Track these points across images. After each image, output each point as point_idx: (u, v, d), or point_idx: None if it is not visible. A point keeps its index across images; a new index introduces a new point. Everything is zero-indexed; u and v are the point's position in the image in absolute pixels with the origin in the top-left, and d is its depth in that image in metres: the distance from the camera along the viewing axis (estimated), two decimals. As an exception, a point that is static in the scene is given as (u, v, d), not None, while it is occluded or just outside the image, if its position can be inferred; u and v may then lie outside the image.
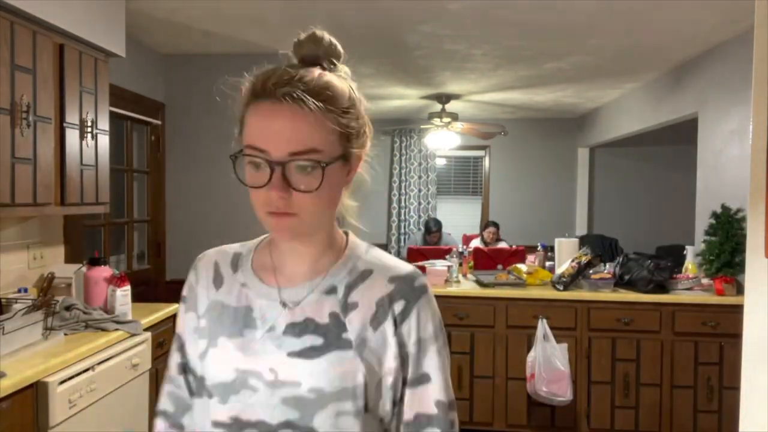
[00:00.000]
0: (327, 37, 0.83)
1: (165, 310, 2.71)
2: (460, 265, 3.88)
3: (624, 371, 3.37)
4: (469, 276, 3.94)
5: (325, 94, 0.76)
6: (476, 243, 5.69)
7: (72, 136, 2.39)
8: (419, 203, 7.13)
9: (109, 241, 3.52)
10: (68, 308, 2.35)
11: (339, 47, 0.84)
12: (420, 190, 7.13)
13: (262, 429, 0.81)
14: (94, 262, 2.55)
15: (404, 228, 7.12)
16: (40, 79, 2.17)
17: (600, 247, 5.07)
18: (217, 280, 0.90)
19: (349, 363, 0.80)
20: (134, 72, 3.61)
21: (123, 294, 2.47)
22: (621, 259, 3.64)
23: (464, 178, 7.41)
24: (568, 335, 3.36)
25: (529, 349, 3.35)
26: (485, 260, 4.16)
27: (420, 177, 7.13)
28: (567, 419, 3.40)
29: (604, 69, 4.45)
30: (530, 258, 4.12)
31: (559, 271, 3.60)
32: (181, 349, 0.92)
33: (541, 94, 5.48)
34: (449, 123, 5.58)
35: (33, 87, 2.13)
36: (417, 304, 0.86)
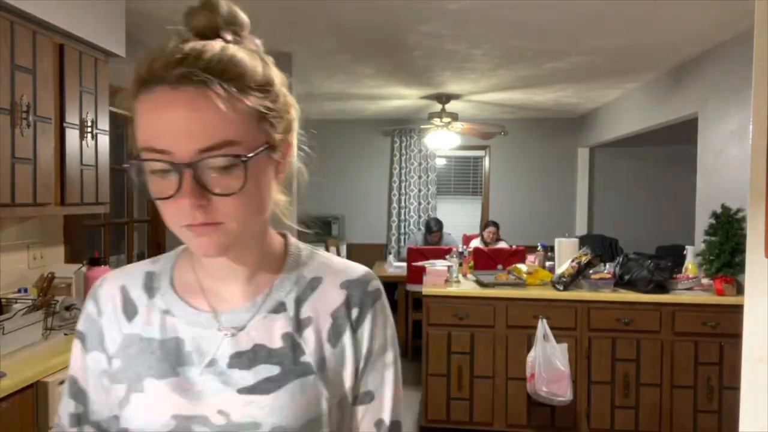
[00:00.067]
0: (226, 4, 0.67)
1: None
2: (460, 265, 3.88)
3: (624, 371, 3.37)
4: (469, 276, 3.94)
5: (233, 71, 0.61)
6: (476, 243, 5.69)
7: (72, 136, 2.39)
8: (419, 203, 7.13)
9: (109, 241, 3.52)
10: (68, 308, 2.35)
11: (242, 15, 0.69)
12: (420, 190, 7.13)
13: None
14: (94, 262, 2.56)
15: (404, 228, 7.12)
16: (40, 79, 2.17)
17: (600, 247, 5.07)
18: (129, 309, 0.73)
19: (311, 391, 0.69)
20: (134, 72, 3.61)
21: (123, 294, 2.47)
22: (621, 259, 3.64)
23: (464, 178, 7.41)
24: (568, 335, 3.36)
25: (529, 349, 3.35)
26: (485, 260, 4.16)
27: (420, 177, 7.12)
28: (567, 419, 3.40)
29: (604, 69, 4.45)
30: (530, 258, 4.12)
31: (559, 271, 3.60)
32: (78, 396, 0.75)
33: (541, 94, 5.48)
34: (449, 123, 5.58)
35: (33, 87, 2.13)
36: (371, 311, 0.74)
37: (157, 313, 0.72)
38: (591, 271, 3.52)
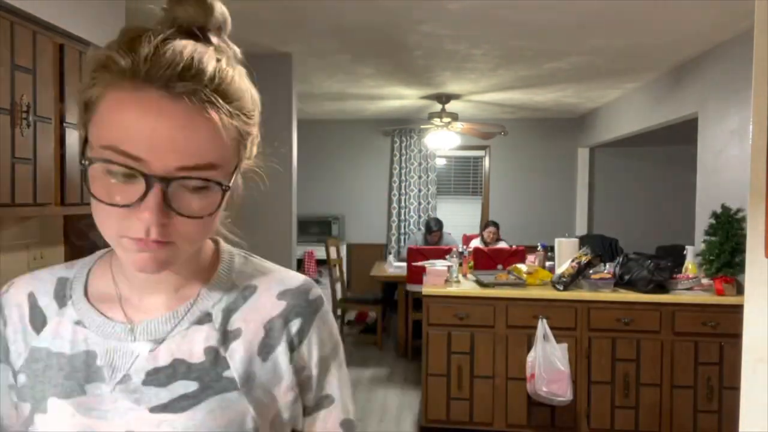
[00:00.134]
0: (218, 3, 0.61)
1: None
2: (460, 265, 3.88)
3: (624, 371, 3.37)
4: (469, 276, 3.94)
5: (233, 95, 0.58)
6: (476, 243, 5.69)
7: (72, 136, 2.39)
8: (419, 203, 7.13)
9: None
10: (68, 308, 2.35)
11: (228, 17, 0.62)
12: (420, 190, 7.13)
13: None
14: (94, 262, 2.55)
15: (404, 228, 7.12)
16: (40, 79, 2.17)
17: (600, 247, 5.07)
18: (36, 319, 0.67)
19: (233, 408, 0.63)
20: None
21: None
22: (621, 259, 3.64)
23: (464, 178, 7.41)
24: (568, 335, 3.36)
25: (529, 349, 3.35)
26: (485, 260, 4.16)
27: (420, 177, 7.13)
28: (567, 419, 3.40)
29: (604, 69, 4.45)
30: (530, 258, 4.12)
31: (559, 271, 3.60)
32: None
33: (541, 94, 5.48)
34: (449, 123, 5.58)
35: (33, 87, 2.13)
36: (315, 320, 0.70)
37: (68, 324, 0.66)
38: (591, 271, 3.52)
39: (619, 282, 3.49)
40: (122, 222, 0.57)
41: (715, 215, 3.42)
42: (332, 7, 3.10)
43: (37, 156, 2.16)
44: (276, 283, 0.70)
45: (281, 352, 0.67)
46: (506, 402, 3.44)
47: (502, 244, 5.55)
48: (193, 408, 0.62)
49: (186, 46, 0.56)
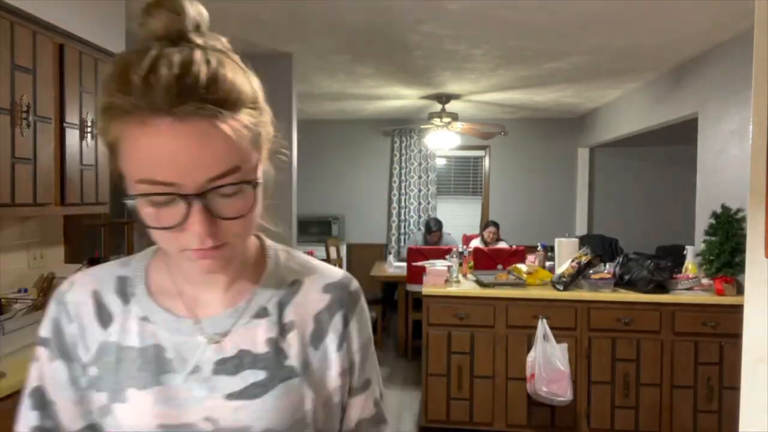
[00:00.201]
0: (187, 3, 0.62)
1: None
2: (460, 265, 3.88)
3: (624, 371, 3.37)
4: (469, 276, 3.94)
5: (231, 96, 0.59)
6: (476, 243, 5.69)
7: (72, 136, 2.39)
8: (419, 203, 7.13)
9: (109, 241, 3.52)
10: (68, 308, 2.35)
11: (203, 10, 0.64)
12: (420, 190, 7.13)
13: None
14: (94, 263, 2.56)
15: (404, 228, 7.12)
16: (40, 79, 2.17)
17: (600, 247, 5.07)
18: (103, 316, 0.71)
19: (296, 393, 0.70)
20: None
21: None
22: (621, 259, 3.64)
23: (464, 178, 7.41)
24: (568, 335, 3.36)
25: (529, 349, 3.35)
26: (485, 260, 4.16)
27: (420, 177, 7.13)
28: (567, 419, 3.40)
29: (604, 69, 4.45)
30: (530, 258, 4.12)
31: (559, 271, 3.60)
32: (44, 407, 0.71)
33: (541, 94, 5.48)
34: (449, 123, 5.58)
35: (33, 87, 2.13)
36: (356, 310, 0.77)
37: (134, 319, 0.71)
38: (591, 271, 3.52)
39: (619, 282, 3.49)
40: (179, 239, 0.61)
41: (715, 215, 3.42)
42: (332, 7, 3.10)
43: (37, 156, 2.16)
44: (320, 278, 0.77)
45: (330, 341, 0.74)
46: (506, 402, 3.44)
47: (502, 244, 5.55)
48: (264, 395, 0.69)
49: (172, 63, 0.57)
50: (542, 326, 3.31)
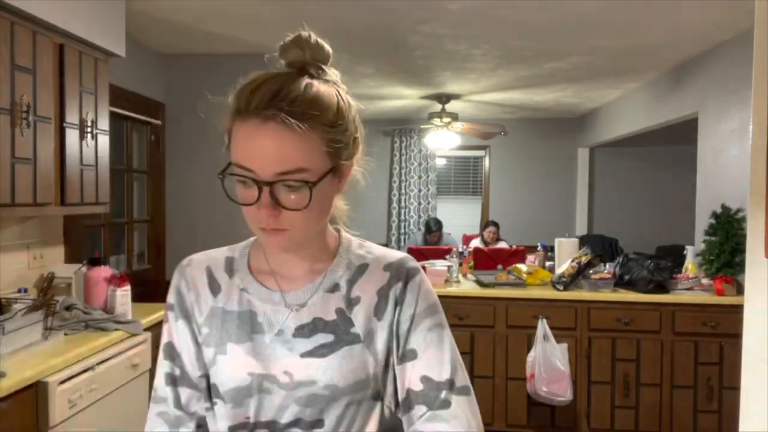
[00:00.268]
0: (314, 38, 0.80)
1: (165, 310, 2.71)
2: (460, 265, 3.88)
3: (624, 371, 3.37)
4: (469, 276, 3.94)
5: (311, 113, 0.75)
6: (476, 243, 5.69)
7: (72, 136, 2.39)
8: (419, 203, 7.13)
9: (109, 241, 3.52)
10: (68, 308, 2.35)
11: (326, 48, 0.81)
12: (420, 190, 7.13)
13: (272, 428, 0.84)
14: (94, 262, 2.55)
15: (404, 228, 7.12)
16: (40, 79, 2.17)
17: (600, 247, 5.07)
18: (214, 286, 0.90)
19: (359, 356, 0.84)
20: (134, 72, 3.61)
21: (123, 294, 2.47)
22: (621, 259, 3.64)
23: (464, 178, 7.41)
24: (568, 335, 3.36)
25: (529, 349, 3.35)
26: (485, 260, 4.16)
27: (420, 177, 7.13)
28: (567, 419, 3.40)
29: (604, 69, 4.45)
30: (530, 258, 4.12)
31: (559, 271, 3.60)
32: (174, 359, 0.90)
33: (541, 94, 5.48)
34: (449, 123, 5.58)
35: (33, 87, 2.13)
36: (410, 283, 0.88)
37: (236, 290, 0.88)
38: (591, 271, 3.52)
39: (619, 282, 3.49)
40: (255, 216, 0.77)
41: (715, 215, 3.42)
42: (332, 7, 3.10)
43: (37, 156, 2.16)
44: (383, 259, 0.91)
45: (389, 312, 0.86)
46: (506, 402, 3.44)
47: (502, 244, 5.55)
48: (330, 355, 0.83)
49: (275, 83, 0.75)
50: (542, 326, 3.31)
